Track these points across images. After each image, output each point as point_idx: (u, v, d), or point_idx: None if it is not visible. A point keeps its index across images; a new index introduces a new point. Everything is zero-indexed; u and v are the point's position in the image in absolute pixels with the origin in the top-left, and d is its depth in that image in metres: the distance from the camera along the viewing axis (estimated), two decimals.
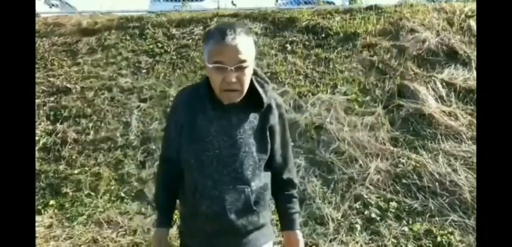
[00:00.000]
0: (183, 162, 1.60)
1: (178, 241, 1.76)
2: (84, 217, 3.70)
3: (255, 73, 1.61)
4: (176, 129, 1.62)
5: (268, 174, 1.64)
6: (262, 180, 1.60)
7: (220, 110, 1.55)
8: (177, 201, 1.71)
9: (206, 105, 1.56)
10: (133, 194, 3.95)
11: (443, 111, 4.39)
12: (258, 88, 1.59)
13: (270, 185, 1.65)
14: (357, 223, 3.45)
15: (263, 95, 1.59)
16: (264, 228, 1.65)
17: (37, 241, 3.33)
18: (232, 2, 6.89)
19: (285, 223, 1.72)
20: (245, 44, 1.49)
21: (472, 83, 4.66)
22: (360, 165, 3.91)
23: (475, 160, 3.80)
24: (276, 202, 1.75)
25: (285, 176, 1.70)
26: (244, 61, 1.48)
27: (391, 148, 4.06)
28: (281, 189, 1.70)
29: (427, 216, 3.46)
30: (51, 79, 5.36)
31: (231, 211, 1.53)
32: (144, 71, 5.38)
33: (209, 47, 1.50)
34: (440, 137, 4.11)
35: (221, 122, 1.56)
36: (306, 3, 6.84)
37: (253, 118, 1.59)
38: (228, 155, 1.54)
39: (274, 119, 1.63)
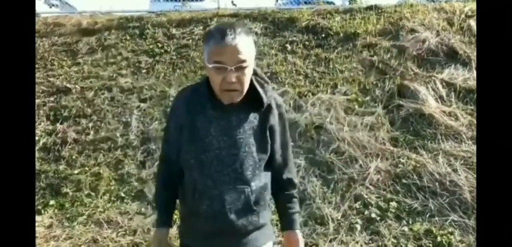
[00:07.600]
0: (183, 162, 1.59)
1: (178, 242, 1.76)
2: (84, 217, 3.69)
3: (255, 73, 1.61)
4: (176, 129, 1.62)
5: (268, 174, 1.64)
6: (262, 180, 1.59)
7: (220, 110, 1.55)
8: (177, 201, 1.70)
9: (206, 105, 1.56)
10: (133, 194, 3.95)
11: (443, 111, 4.39)
12: (258, 88, 1.59)
13: (270, 185, 1.65)
14: (357, 223, 3.45)
15: (263, 95, 1.58)
16: (264, 228, 1.65)
17: (37, 241, 3.33)
18: (232, 2, 6.89)
19: (285, 223, 1.71)
20: (245, 44, 1.48)
21: (472, 83, 4.66)
22: (360, 165, 3.91)
23: (475, 160, 3.80)
24: (276, 202, 1.74)
25: (285, 176, 1.69)
26: (244, 61, 1.47)
27: (391, 148, 4.06)
28: (281, 188, 1.70)
29: (427, 216, 3.46)
30: (51, 79, 5.36)
31: (231, 211, 1.53)
32: (144, 71, 5.38)
33: (209, 47, 1.50)
34: (440, 137, 4.11)
35: (221, 122, 1.55)
36: (306, 3, 6.84)
37: (253, 118, 1.58)
38: (228, 155, 1.54)
39: (274, 119, 1.62)
